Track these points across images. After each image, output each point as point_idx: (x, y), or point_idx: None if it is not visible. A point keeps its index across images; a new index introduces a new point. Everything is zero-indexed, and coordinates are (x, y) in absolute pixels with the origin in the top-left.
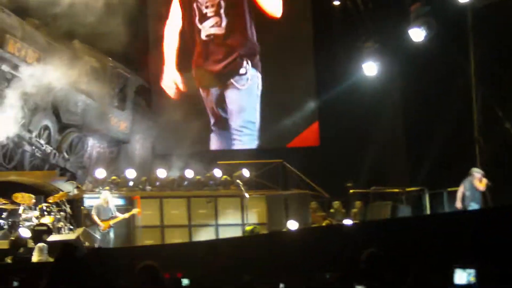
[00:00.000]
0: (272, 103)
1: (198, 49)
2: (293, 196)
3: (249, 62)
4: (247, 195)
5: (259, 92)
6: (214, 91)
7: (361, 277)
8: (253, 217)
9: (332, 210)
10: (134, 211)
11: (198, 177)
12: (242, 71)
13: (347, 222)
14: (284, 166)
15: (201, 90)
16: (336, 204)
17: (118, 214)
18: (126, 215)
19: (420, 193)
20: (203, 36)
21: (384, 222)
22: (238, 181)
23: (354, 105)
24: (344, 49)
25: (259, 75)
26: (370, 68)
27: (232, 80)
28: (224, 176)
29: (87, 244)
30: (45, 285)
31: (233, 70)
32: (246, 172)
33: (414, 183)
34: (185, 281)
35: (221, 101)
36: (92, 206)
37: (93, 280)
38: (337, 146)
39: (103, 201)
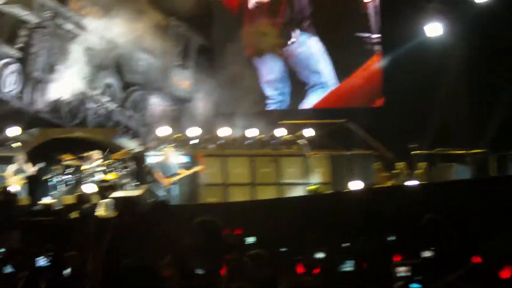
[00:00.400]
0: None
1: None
2: (356, 156)
3: (298, 30)
4: (310, 154)
5: (316, 54)
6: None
7: (421, 242)
8: (316, 177)
9: (396, 171)
10: (197, 168)
11: (260, 136)
12: (292, 39)
13: (411, 183)
14: (348, 126)
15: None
16: (400, 165)
17: (180, 171)
18: (189, 172)
19: (485, 155)
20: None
21: (448, 184)
22: (301, 140)
23: (418, 65)
24: (408, 8)
25: (314, 38)
26: (434, 28)
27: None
28: (287, 136)
29: (150, 200)
30: (108, 240)
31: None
32: (309, 132)
33: (479, 145)
34: (250, 239)
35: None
36: (155, 163)
37: (155, 236)
38: (401, 107)
39: (165, 158)
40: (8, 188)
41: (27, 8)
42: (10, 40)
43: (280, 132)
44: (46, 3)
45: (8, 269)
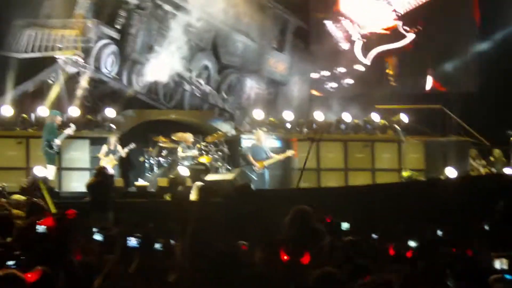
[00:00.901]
0: (431, 47)
1: None
2: (452, 143)
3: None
4: (404, 140)
5: None
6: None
7: None
8: (410, 163)
9: (492, 159)
10: (289, 152)
11: (355, 120)
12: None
13: (508, 171)
14: (444, 111)
15: None
16: (496, 152)
17: (273, 155)
18: (281, 156)
19: None
20: None
21: None
22: (396, 125)
23: None
24: None
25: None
26: None
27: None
28: (382, 121)
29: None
30: (196, 223)
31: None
32: (404, 117)
33: None
34: (344, 225)
35: None
36: (248, 147)
37: (245, 219)
38: (499, 92)
39: (258, 142)
40: (106, 169)
41: None
42: (110, 21)
43: (375, 117)
44: None
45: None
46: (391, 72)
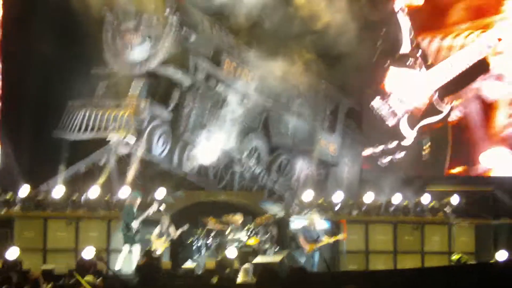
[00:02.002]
0: None
1: None
2: (503, 226)
3: None
4: (455, 223)
5: None
6: None
7: None
8: (460, 246)
9: None
10: (340, 236)
11: (406, 202)
12: None
13: None
14: (495, 194)
15: None
16: None
17: (323, 237)
18: (332, 239)
19: None
20: None
21: None
22: (446, 208)
23: None
24: None
25: None
26: None
27: None
28: (432, 203)
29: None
30: None
31: None
32: (455, 199)
33: None
34: None
35: None
36: (298, 229)
37: None
38: None
39: (309, 224)
40: (153, 251)
41: (182, 69)
42: (163, 101)
43: (426, 199)
44: (200, 64)
45: None
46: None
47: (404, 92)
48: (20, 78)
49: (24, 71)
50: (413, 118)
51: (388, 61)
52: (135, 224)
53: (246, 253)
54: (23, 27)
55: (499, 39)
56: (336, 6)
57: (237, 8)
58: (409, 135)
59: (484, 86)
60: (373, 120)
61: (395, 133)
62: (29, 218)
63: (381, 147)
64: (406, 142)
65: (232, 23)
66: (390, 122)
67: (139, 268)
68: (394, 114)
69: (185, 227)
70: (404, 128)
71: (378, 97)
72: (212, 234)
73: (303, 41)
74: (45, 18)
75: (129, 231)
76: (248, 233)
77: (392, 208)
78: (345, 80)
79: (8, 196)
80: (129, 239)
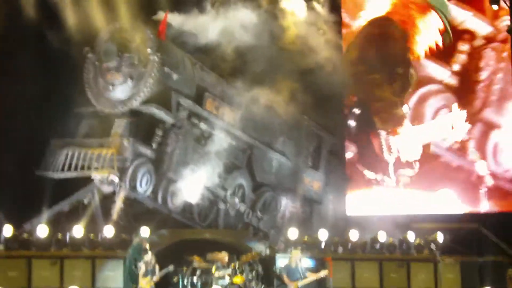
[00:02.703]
0: None
1: None
2: (489, 263)
3: None
4: (440, 260)
5: None
6: None
7: None
8: (447, 283)
9: None
10: (323, 272)
11: (391, 240)
12: None
13: None
14: (480, 231)
15: None
16: None
17: (308, 275)
18: (316, 276)
19: None
20: None
21: None
22: (432, 245)
23: None
24: None
25: None
26: None
27: None
28: (418, 240)
29: None
30: None
31: None
32: (440, 236)
33: None
34: None
35: None
36: (283, 267)
37: None
38: None
39: (291, 262)
40: None
41: (164, 108)
42: (146, 139)
43: (411, 236)
44: (182, 102)
45: None
46: None
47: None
48: (1, 115)
49: (6, 109)
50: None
51: None
52: (140, 265)
53: None
54: (5, 64)
55: None
56: (325, 46)
57: (219, 47)
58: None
59: None
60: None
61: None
62: (13, 258)
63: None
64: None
65: (214, 61)
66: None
67: None
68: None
69: (170, 267)
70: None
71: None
72: (198, 273)
73: (287, 78)
74: (28, 56)
75: (135, 269)
76: (234, 271)
77: (377, 246)
78: (329, 118)
79: None
80: (134, 278)
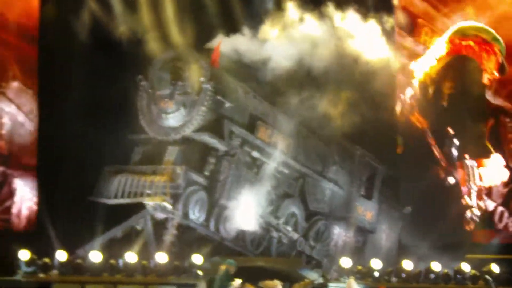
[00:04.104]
0: None
1: None
2: None
3: None
4: None
5: None
6: None
7: None
8: None
9: None
10: None
11: (445, 270)
12: None
13: None
14: None
15: None
16: None
17: None
18: None
19: None
20: None
21: None
22: (487, 276)
23: None
24: None
25: None
26: None
27: None
28: (473, 271)
29: None
30: None
31: None
32: (495, 267)
33: None
34: None
35: None
36: None
37: None
38: None
39: None
40: None
41: (217, 136)
42: (198, 167)
43: (466, 267)
44: (235, 130)
45: None
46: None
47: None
48: (57, 141)
49: (61, 135)
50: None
51: None
52: None
53: None
54: (60, 92)
55: None
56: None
57: (272, 75)
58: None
59: None
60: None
61: None
62: (67, 283)
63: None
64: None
65: (266, 90)
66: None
67: None
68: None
69: None
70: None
71: None
72: None
73: (339, 107)
74: (82, 84)
75: None
76: None
77: (432, 276)
78: (381, 147)
79: (46, 260)
80: None
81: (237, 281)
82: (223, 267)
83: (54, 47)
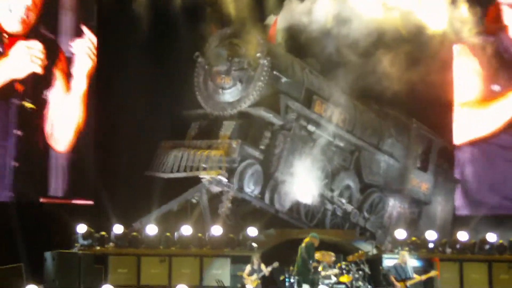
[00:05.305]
0: None
1: None
2: None
3: None
4: None
5: None
6: None
7: None
8: None
9: None
10: (432, 273)
11: (501, 241)
12: None
13: None
14: None
15: None
16: None
17: (415, 275)
18: (424, 277)
19: None
20: None
21: None
22: None
23: None
24: None
25: None
26: None
27: None
28: None
29: None
30: None
31: None
32: None
33: None
34: None
35: None
36: (390, 267)
37: None
38: None
39: (401, 262)
40: None
41: (273, 110)
42: (254, 141)
43: None
44: (291, 105)
45: None
46: None
47: None
48: (115, 117)
49: (118, 113)
50: None
51: None
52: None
53: None
54: (118, 68)
55: None
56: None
57: (329, 49)
58: None
59: None
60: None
61: None
62: (123, 255)
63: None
64: None
65: (322, 66)
66: None
67: None
68: None
69: (275, 264)
70: None
71: None
72: None
73: (395, 81)
74: (139, 61)
75: (309, 269)
76: (341, 271)
77: (487, 247)
78: (437, 120)
79: (102, 233)
80: (307, 279)
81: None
82: (307, 240)
83: (112, 28)
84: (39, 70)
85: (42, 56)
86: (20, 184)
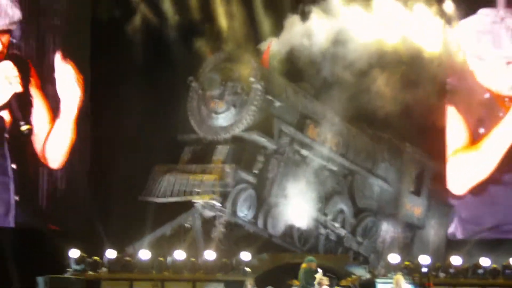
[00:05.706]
0: None
1: None
2: None
3: None
4: None
5: None
6: None
7: None
8: None
9: None
10: None
11: (494, 265)
12: None
13: None
14: None
15: None
16: None
17: None
18: None
19: None
20: None
21: None
22: None
23: None
24: None
25: None
26: None
27: None
28: None
29: None
30: None
31: None
32: None
33: None
34: None
35: None
36: None
37: None
38: None
39: (397, 286)
40: None
41: (266, 134)
42: (248, 166)
43: None
44: (284, 129)
45: None
46: None
47: None
48: (108, 141)
49: (112, 135)
50: None
51: None
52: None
53: None
54: (110, 93)
55: None
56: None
57: (321, 74)
58: None
59: None
60: None
61: None
62: (116, 280)
63: None
64: None
65: (316, 90)
66: None
67: None
68: None
69: None
70: None
71: None
72: None
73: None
74: (133, 85)
75: None
76: None
77: (480, 271)
78: (431, 144)
79: (95, 258)
80: None
81: (319, 273)
82: (304, 266)
83: (106, 51)
84: (19, 89)
85: (16, 73)
86: (23, 215)
